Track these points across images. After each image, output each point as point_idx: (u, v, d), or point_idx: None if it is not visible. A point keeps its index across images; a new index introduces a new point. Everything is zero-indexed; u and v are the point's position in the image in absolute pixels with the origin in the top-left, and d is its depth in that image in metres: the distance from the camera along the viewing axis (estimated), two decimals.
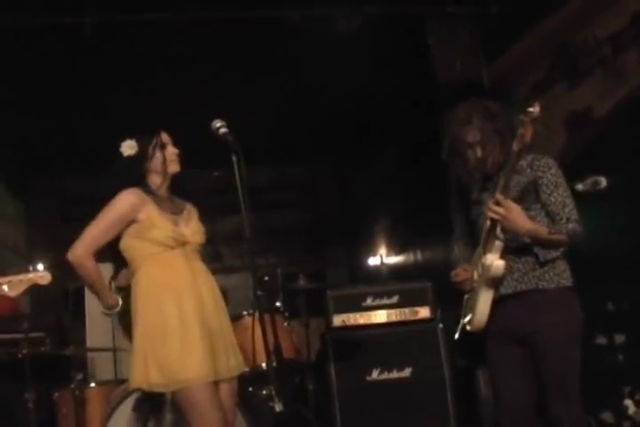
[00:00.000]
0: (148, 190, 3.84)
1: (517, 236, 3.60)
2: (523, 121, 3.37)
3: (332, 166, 11.56)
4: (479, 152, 3.67)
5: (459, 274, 3.83)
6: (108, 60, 7.06)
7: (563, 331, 3.58)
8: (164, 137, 3.92)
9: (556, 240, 3.57)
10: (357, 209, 11.12)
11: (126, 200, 3.77)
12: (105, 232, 3.81)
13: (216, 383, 3.68)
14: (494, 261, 3.59)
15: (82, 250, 3.80)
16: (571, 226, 3.56)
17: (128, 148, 3.88)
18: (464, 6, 7.11)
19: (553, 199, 3.62)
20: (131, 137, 3.89)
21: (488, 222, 3.62)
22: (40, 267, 3.88)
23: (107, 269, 3.99)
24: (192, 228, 3.88)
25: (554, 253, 3.62)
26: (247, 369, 3.88)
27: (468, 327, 3.78)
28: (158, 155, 3.86)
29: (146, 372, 3.61)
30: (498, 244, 3.61)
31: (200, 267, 3.85)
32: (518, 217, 3.51)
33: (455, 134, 3.71)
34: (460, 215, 3.95)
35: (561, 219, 3.57)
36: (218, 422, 3.58)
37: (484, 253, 3.66)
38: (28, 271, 3.82)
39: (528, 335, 3.60)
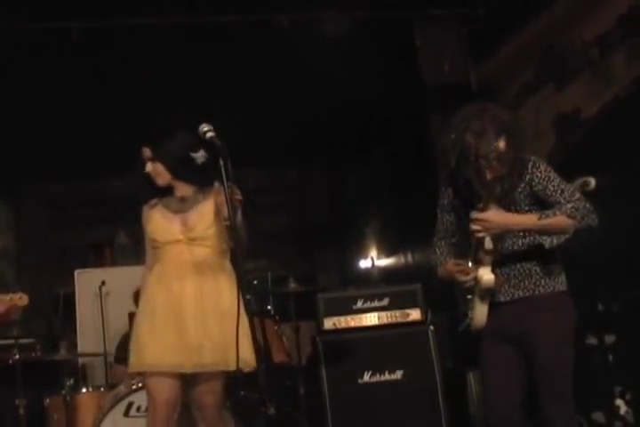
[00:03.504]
0: (161, 196, 4.16)
1: (507, 244, 3.64)
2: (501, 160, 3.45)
3: (321, 169, 11.56)
4: (491, 165, 3.59)
5: (463, 270, 3.71)
6: (95, 65, 7.05)
7: (556, 330, 3.59)
8: (143, 153, 4.11)
9: (555, 224, 3.55)
10: (348, 212, 11.12)
11: (142, 213, 4.21)
12: (145, 247, 4.23)
13: (188, 376, 3.96)
14: (484, 276, 3.61)
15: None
16: (569, 205, 3.54)
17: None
18: (451, 8, 7.12)
19: (549, 192, 3.61)
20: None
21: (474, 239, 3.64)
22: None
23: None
24: (190, 223, 4.06)
25: (562, 239, 3.56)
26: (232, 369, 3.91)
27: (471, 327, 3.79)
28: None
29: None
30: (488, 258, 3.63)
31: (194, 262, 4.02)
32: (499, 220, 3.54)
33: (469, 145, 3.62)
34: (446, 216, 3.92)
35: (559, 203, 3.57)
36: (159, 412, 3.93)
37: (477, 265, 3.66)
38: (6, 293, 4.00)
39: (521, 334, 3.62)
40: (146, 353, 3.95)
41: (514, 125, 3.72)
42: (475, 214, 3.53)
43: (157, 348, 3.93)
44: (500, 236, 3.63)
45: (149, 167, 4.10)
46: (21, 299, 3.98)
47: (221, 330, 3.92)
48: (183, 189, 4.14)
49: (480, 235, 3.55)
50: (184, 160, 4.04)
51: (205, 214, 4.05)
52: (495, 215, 3.54)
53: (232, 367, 3.87)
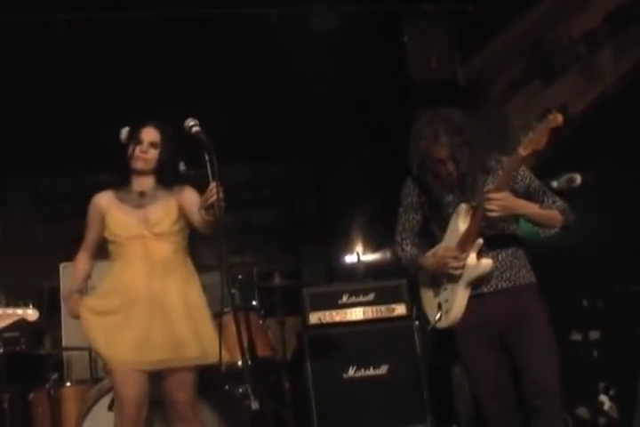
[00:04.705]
0: (119, 187, 4.13)
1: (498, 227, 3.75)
2: (539, 128, 3.46)
3: (308, 164, 11.53)
4: (450, 167, 3.74)
5: (456, 257, 3.72)
6: (82, 58, 7.01)
7: (544, 319, 3.72)
8: (146, 133, 4.05)
9: (552, 215, 3.72)
10: (334, 207, 11.11)
11: (92, 205, 4.19)
12: (87, 234, 4.25)
13: (155, 372, 3.93)
14: (482, 260, 3.69)
15: (79, 252, 4.28)
16: (559, 203, 3.74)
17: (123, 134, 4.11)
18: (440, 4, 7.12)
19: (532, 190, 3.77)
20: (133, 124, 4.10)
21: (464, 224, 3.69)
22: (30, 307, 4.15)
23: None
24: (154, 219, 4.04)
25: (552, 231, 3.86)
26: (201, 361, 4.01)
27: (439, 325, 3.81)
28: (131, 148, 4.05)
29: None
30: (478, 243, 3.68)
31: (160, 257, 4.01)
32: (513, 201, 3.63)
33: (424, 151, 3.75)
34: (413, 214, 3.95)
35: (545, 201, 3.74)
36: (127, 411, 3.87)
37: (465, 253, 3.70)
38: (17, 307, 4.07)
39: (510, 320, 3.69)
40: (112, 351, 3.92)
41: (466, 124, 3.77)
42: (492, 194, 3.57)
43: (123, 346, 3.90)
44: (494, 223, 3.71)
45: (146, 149, 4.04)
46: (31, 315, 4.09)
47: (187, 326, 3.95)
48: (145, 183, 4.11)
49: (495, 215, 3.59)
50: (174, 159, 4.07)
51: (171, 210, 4.06)
52: (509, 196, 3.62)
53: (206, 361, 3.96)
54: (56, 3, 6.22)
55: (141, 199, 4.09)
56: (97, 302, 4.04)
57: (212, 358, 3.95)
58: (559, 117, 3.46)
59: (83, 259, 4.26)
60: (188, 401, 4.00)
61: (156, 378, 3.99)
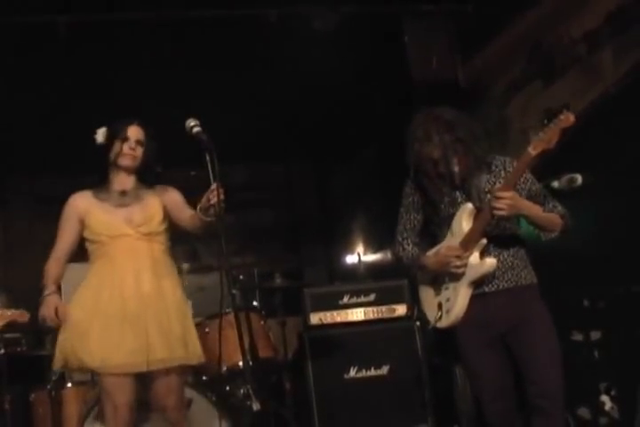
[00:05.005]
0: (97, 187, 4.10)
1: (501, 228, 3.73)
2: (550, 127, 3.46)
3: (309, 165, 11.54)
4: (443, 167, 3.74)
5: (459, 256, 3.69)
6: (82, 59, 7.01)
7: (546, 320, 3.71)
8: (132, 131, 4.06)
9: (553, 219, 3.72)
10: (335, 207, 11.11)
11: (68, 206, 4.11)
12: (60, 237, 4.12)
13: (145, 376, 3.89)
14: (486, 260, 3.67)
15: (51, 255, 4.10)
16: (559, 208, 3.75)
17: (100, 135, 4.08)
18: (440, 4, 7.12)
19: (532, 193, 3.76)
20: (114, 122, 4.08)
21: (468, 224, 3.68)
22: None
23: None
24: (139, 218, 4.00)
25: (552, 235, 3.75)
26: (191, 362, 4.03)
27: (439, 324, 3.80)
28: (116, 146, 4.04)
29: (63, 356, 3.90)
30: (482, 242, 3.67)
31: (150, 257, 3.98)
32: (520, 201, 3.62)
33: (417, 153, 3.76)
34: (414, 214, 3.93)
35: (545, 205, 3.75)
36: (121, 415, 3.82)
37: (468, 253, 3.69)
38: (8, 308, 4.10)
39: (512, 322, 3.68)
40: (107, 357, 3.83)
41: (459, 122, 3.77)
42: (501, 193, 3.55)
43: (119, 350, 3.83)
44: (498, 222, 3.71)
45: (134, 146, 4.04)
46: (22, 316, 4.08)
47: (178, 326, 3.94)
48: (126, 182, 4.09)
49: (502, 213, 3.57)
50: (155, 159, 4.12)
51: (156, 210, 4.05)
52: (516, 196, 3.61)
53: (192, 361, 3.96)
54: (56, 5, 6.22)
55: (123, 198, 4.06)
56: (82, 314, 3.93)
57: (197, 359, 3.98)
58: (571, 117, 3.44)
59: (55, 263, 4.10)
60: (177, 405, 3.97)
61: (145, 380, 3.95)
